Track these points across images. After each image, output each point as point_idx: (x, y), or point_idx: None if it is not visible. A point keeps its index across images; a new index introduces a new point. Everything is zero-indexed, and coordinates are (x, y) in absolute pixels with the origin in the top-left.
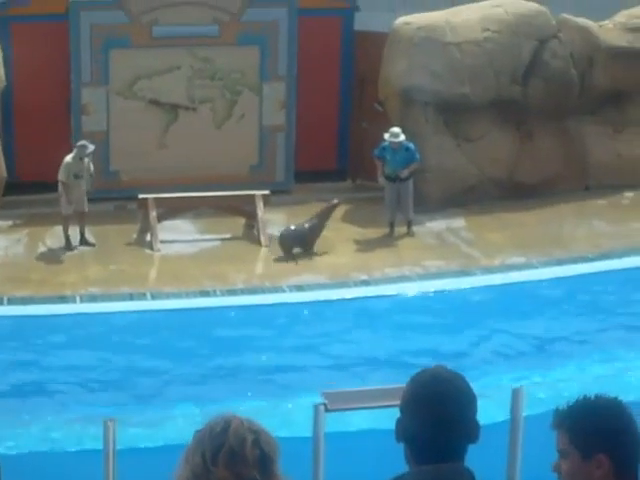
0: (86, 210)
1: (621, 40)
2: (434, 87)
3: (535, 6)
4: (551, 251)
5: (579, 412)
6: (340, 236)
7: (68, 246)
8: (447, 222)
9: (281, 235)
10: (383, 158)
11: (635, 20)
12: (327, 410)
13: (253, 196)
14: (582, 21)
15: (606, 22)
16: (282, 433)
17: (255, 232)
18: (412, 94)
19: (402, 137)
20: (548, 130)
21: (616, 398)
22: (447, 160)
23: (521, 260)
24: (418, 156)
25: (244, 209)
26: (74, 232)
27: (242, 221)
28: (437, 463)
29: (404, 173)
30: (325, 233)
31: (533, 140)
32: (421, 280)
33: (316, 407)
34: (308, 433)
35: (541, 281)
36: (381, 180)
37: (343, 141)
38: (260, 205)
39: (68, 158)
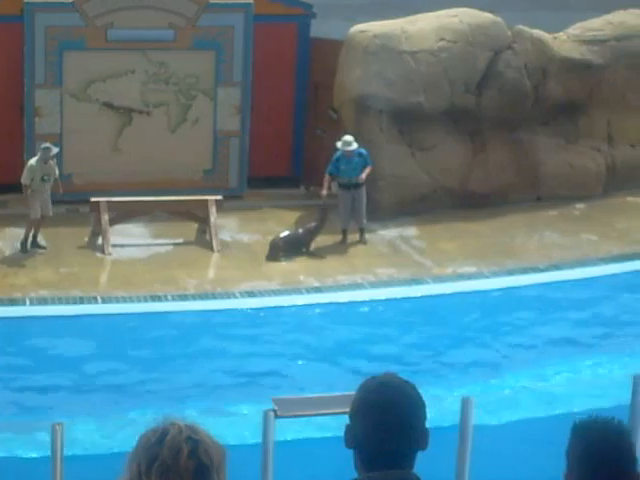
0: (50, 214)
1: (575, 52)
2: (389, 95)
3: (490, 17)
4: (502, 261)
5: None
6: None
7: (24, 249)
8: (400, 230)
9: (272, 241)
10: (337, 172)
11: (589, 32)
12: (277, 416)
13: (206, 201)
14: (536, 32)
15: (560, 34)
16: (231, 440)
17: (207, 237)
18: (367, 102)
19: (355, 145)
20: (501, 140)
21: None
22: (401, 168)
23: (472, 269)
24: (370, 161)
25: (197, 214)
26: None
27: (195, 226)
28: (385, 470)
29: (361, 178)
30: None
31: (486, 150)
32: (373, 288)
33: (266, 413)
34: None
35: (492, 290)
36: (325, 192)
37: (297, 148)
38: (213, 210)
39: (32, 161)
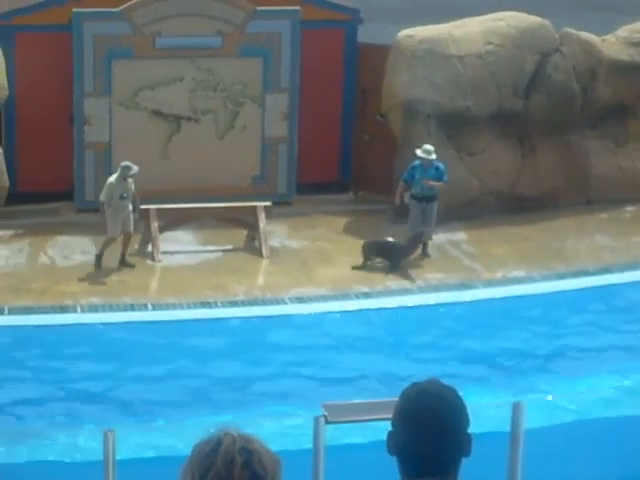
0: (132, 231)
1: (623, 54)
2: (436, 100)
3: (538, 20)
4: (553, 265)
5: None
6: (342, 248)
7: (98, 264)
8: (449, 235)
9: (364, 243)
10: (411, 180)
11: (637, 35)
12: (327, 422)
13: (255, 207)
14: (584, 35)
15: (608, 36)
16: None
17: (256, 243)
18: (414, 106)
19: (434, 155)
20: (550, 144)
21: None
22: (449, 173)
23: (522, 274)
24: (446, 177)
25: (246, 220)
26: (111, 253)
27: (244, 232)
28: (427, 477)
29: (431, 183)
30: (325, 245)
31: (535, 153)
32: (422, 293)
33: (316, 419)
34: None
35: (543, 295)
36: (398, 199)
37: (345, 153)
38: (262, 216)
39: (111, 179)
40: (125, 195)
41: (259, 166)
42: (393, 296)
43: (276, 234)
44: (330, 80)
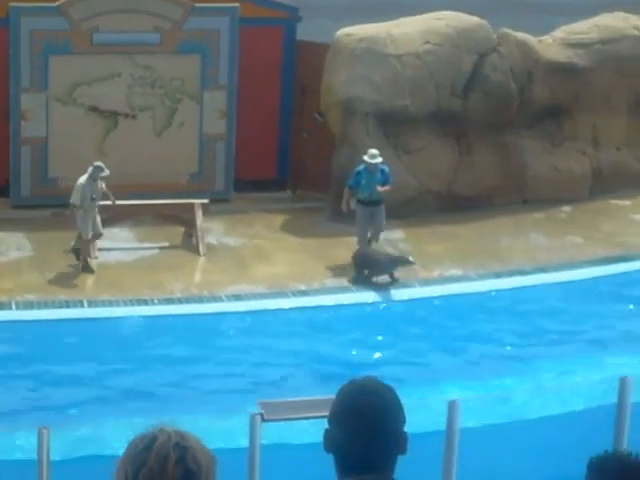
0: (101, 232)
1: (560, 55)
2: (375, 98)
3: (476, 20)
4: (489, 264)
5: None
6: (279, 246)
7: (87, 269)
8: (386, 234)
9: (355, 257)
10: (357, 186)
11: (574, 36)
12: (263, 420)
13: (192, 204)
14: (522, 36)
15: (546, 37)
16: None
17: (194, 241)
18: (353, 105)
19: (380, 159)
20: (487, 143)
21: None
22: None
23: (459, 272)
24: (392, 179)
25: (183, 217)
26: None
27: (181, 230)
28: (363, 474)
29: (380, 189)
30: (263, 243)
31: (472, 153)
32: (359, 291)
33: (252, 417)
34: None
35: (479, 293)
36: (345, 206)
37: (283, 151)
38: (199, 214)
39: (82, 180)
40: (94, 196)
41: (197, 163)
42: (330, 294)
43: (213, 231)
44: (269, 78)
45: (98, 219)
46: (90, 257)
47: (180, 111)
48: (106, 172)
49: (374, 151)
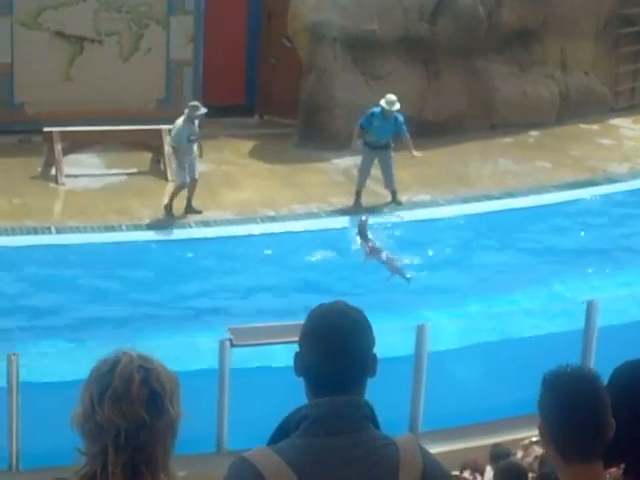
0: (197, 177)
1: None
2: (342, 23)
3: None
4: (457, 189)
5: None
6: (247, 172)
7: (169, 214)
8: (354, 159)
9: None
10: (369, 127)
11: None
12: (232, 345)
13: (160, 130)
14: None
15: None
16: (187, 368)
17: (161, 167)
18: (320, 30)
19: (397, 106)
20: (455, 68)
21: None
22: (355, 97)
23: (427, 198)
24: (406, 128)
25: (150, 143)
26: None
27: (148, 156)
28: (333, 396)
29: (415, 154)
30: (231, 169)
31: (440, 78)
32: (328, 217)
33: (221, 342)
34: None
35: (446, 218)
36: (356, 146)
37: (251, 76)
38: (166, 139)
39: (179, 122)
40: (193, 138)
41: (164, 89)
42: (299, 220)
43: None
44: (236, 2)
45: (197, 162)
46: (191, 203)
47: (147, 36)
48: (202, 110)
49: (392, 97)
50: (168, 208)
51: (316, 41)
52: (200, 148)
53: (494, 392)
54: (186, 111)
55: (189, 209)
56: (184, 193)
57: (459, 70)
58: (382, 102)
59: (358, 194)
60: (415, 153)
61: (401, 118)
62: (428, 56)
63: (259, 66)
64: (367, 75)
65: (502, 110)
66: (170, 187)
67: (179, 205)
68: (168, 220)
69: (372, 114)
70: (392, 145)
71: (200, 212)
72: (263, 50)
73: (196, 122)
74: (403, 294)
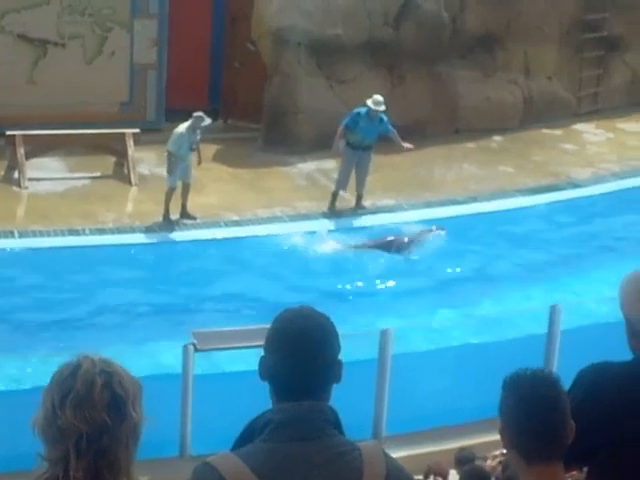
0: (191, 182)
1: None
2: (307, 27)
3: None
4: (421, 193)
5: None
6: (211, 176)
7: (167, 220)
8: (318, 163)
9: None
10: (353, 127)
11: None
12: (197, 350)
13: (123, 134)
14: None
15: None
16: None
17: (125, 170)
18: (285, 34)
19: (383, 107)
20: (419, 73)
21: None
22: (319, 101)
23: (391, 202)
24: (391, 127)
25: (114, 147)
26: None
27: (112, 159)
28: (297, 401)
29: (407, 147)
30: (195, 173)
31: (404, 83)
32: (291, 221)
33: (185, 347)
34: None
35: (410, 223)
36: (339, 147)
37: (215, 80)
38: (130, 143)
39: (182, 129)
40: (194, 147)
41: (128, 92)
42: (262, 224)
43: (145, 161)
44: (200, 6)
45: (192, 169)
46: (186, 209)
47: (110, 40)
48: (207, 121)
49: (379, 98)
50: (165, 215)
51: (280, 45)
52: (199, 154)
53: (459, 396)
54: (191, 121)
55: (184, 214)
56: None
57: (423, 75)
58: (369, 102)
59: (335, 195)
60: (406, 145)
61: (385, 118)
62: (392, 61)
63: (223, 70)
64: (331, 79)
65: (466, 115)
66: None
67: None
68: (166, 227)
69: (358, 114)
70: (373, 148)
71: (195, 218)
72: (227, 54)
73: (198, 131)
74: (369, 298)
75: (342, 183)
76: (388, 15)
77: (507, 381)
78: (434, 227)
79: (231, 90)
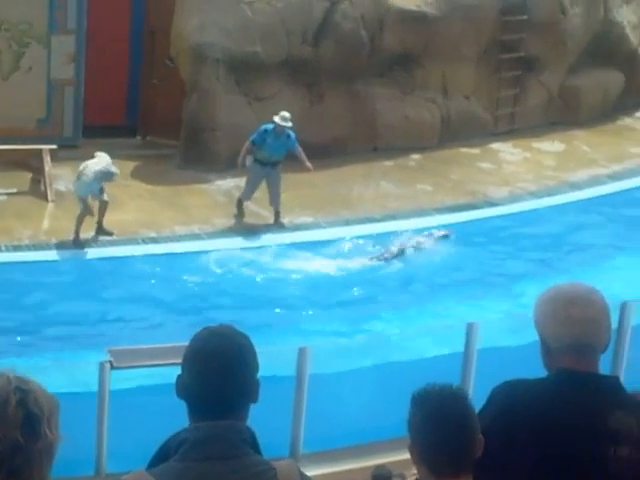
0: (107, 199)
1: (410, 3)
2: (226, 44)
3: None
4: (339, 211)
5: None
6: (128, 193)
7: (78, 242)
8: (237, 180)
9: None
10: (261, 144)
11: None
12: (113, 368)
13: (40, 150)
14: None
15: None
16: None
17: (42, 187)
18: (204, 51)
19: (290, 123)
20: (338, 91)
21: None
22: (238, 118)
23: (309, 220)
24: (297, 144)
25: (31, 163)
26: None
27: (29, 176)
28: (214, 420)
29: (308, 165)
30: (113, 190)
31: (323, 101)
32: (210, 238)
33: (101, 365)
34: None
35: (329, 241)
36: (246, 162)
37: (133, 97)
38: (47, 160)
39: (90, 176)
40: (102, 188)
41: (45, 108)
42: (180, 241)
43: (62, 178)
44: (118, 22)
45: (105, 187)
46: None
47: (27, 55)
48: (116, 175)
49: (286, 114)
50: (75, 237)
51: (199, 62)
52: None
53: (377, 413)
54: (101, 169)
55: (100, 231)
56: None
57: (342, 93)
58: (276, 118)
59: (240, 202)
60: (308, 164)
61: (292, 135)
62: (311, 79)
63: (142, 86)
64: (250, 97)
65: (384, 133)
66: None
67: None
68: (78, 247)
69: (265, 131)
70: (281, 164)
71: (112, 234)
72: (146, 70)
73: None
74: (285, 314)
75: (246, 195)
76: (307, 33)
77: (415, 397)
78: (442, 231)
79: (149, 106)
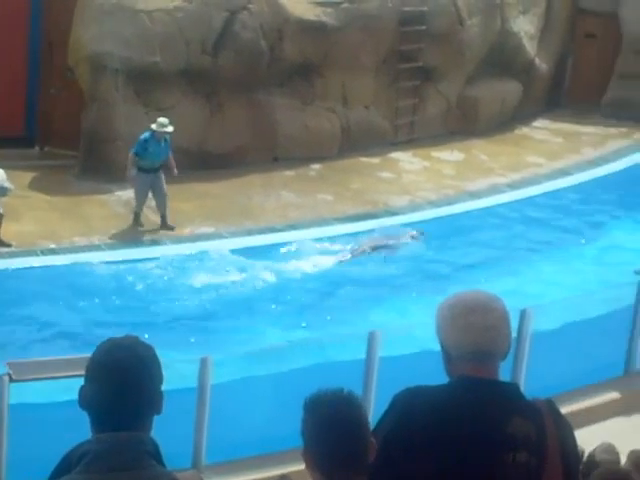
0: (2, 212)
1: (310, 14)
2: (124, 54)
3: None
4: (240, 222)
5: None
6: (27, 204)
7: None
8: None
9: None
10: (144, 153)
11: None
12: (12, 380)
13: None
14: None
15: None
16: None
17: None
18: (102, 61)
19: (170, 128)
20: (238, 101)
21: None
22: (137, 129)
23: (210, 230)
24: (169, 150)
25: None
26: None
27: None
28: (116, 431)
29: (175, 171)
30: (10, 200)
31: (223, 111)
32: (110, 249)
33: (0, 378)
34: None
35: (232, 251)
36: (130, 174)
37: (31, 107)
38: None
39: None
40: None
41: None
42: (80, 252)
43: None
44: (15, 32)
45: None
46: None
47: None
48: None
49: (164, 120)
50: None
51: (97, 72)
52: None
53: (280, 422)
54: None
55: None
56: None
57: (242, 103)
58: (153, 126)
59: (137, 215)
60: (175, 171)
61: (168, 138)
62: (211, 89)
63: (40, 97)
64: (149, 107)
65: (284, 143)
66: None
67: None
68: None
69: (145, 140)
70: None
71: (10, 245)
72: (44, 80)
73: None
74: (186, 324)
75: (139, 206)
76: (206, 43)
77: (307, 402)
78: (414, 231)
79: (48, 117)
